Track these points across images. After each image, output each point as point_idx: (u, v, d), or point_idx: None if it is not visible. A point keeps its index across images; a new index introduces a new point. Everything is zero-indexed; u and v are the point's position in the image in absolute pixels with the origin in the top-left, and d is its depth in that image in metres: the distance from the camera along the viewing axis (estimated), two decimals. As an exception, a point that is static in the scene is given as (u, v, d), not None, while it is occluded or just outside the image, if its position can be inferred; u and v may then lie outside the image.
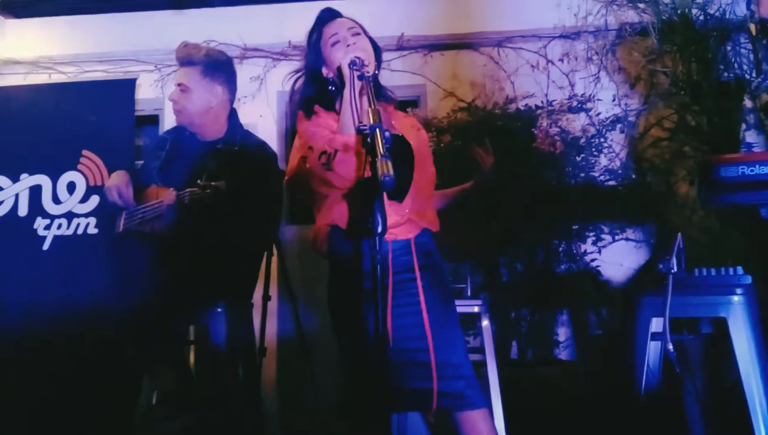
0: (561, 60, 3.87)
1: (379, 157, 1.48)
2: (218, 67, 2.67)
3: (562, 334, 3.69)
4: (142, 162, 3.09)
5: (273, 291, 2.93)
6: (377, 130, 1.53)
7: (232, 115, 2.75)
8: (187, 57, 2.66)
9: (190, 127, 2.68)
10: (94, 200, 3.38)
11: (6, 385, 3.14)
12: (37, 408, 3.13)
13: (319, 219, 2.03)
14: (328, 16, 2.09)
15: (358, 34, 2.03)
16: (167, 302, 2.42)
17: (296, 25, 3.92)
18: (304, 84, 2.07)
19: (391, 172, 1.44)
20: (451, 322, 2.00)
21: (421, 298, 1.94)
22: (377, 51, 2.07)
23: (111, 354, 2.98)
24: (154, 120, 4.04)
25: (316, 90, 2.02)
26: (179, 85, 2.64)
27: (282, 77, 3.91)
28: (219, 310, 2.53)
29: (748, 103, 2.16)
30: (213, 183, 2.28)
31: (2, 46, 3.95)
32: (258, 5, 4.04)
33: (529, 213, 3.38)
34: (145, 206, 2.56)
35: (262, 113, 3.96)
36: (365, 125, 1.58)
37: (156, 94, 4.00)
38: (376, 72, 2.05)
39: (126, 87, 3.51)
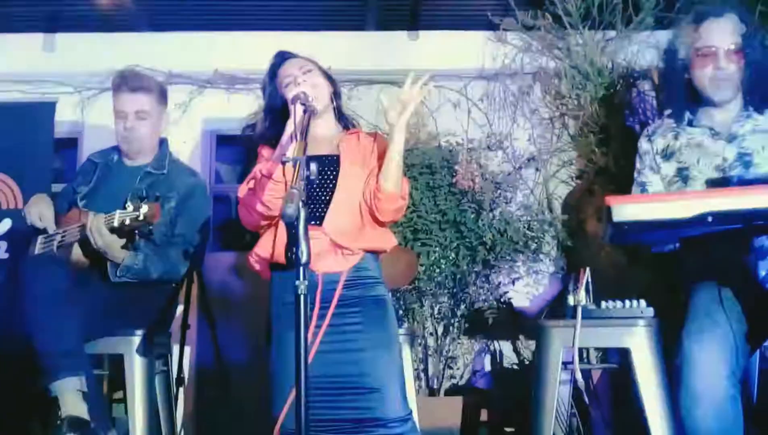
0: (481, 100, 4.05)
1: (288, 189, 1.53)
2: (165, 94, 2.79)
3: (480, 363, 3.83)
4: (62, 185, 3.03)
5: (192, 319, 2.90)
6: (298, 162, 1.59)
7: (163, 142, 2.81)
8: (141, 84, 2.67)
9: (133, 154, 2.70)
10: (6, 224, 3.28)
11: None
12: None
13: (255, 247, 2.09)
14: (279, 61, 2.22)
15: (309, 71, 2.17)
16: (81, 329, 2.35)
17: (223, 53, 4.00)
18: (263, 123, 2.22)
19: (292, 204, 1.46)
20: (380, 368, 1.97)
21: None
22: (333, 83, 2.23)
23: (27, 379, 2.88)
24: (73, 143, 3.95)
25: (271, 128, 2.16)
26: (138, 112, 2.64)
27: (207, 105, 3.98)
28: (136, 338, 2.50)
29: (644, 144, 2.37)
30: (144, 204, 2.27)
31: None
32: (185, 32, 4.04)
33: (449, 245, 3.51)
34: (64, 230, 2.50)
35: (185, 139, 3.94)
36: (287, 158, 1.64)
37: (76, 117, 3.92)
38: (333, 103, 2.21)
39: (45, 110, 3.45)
